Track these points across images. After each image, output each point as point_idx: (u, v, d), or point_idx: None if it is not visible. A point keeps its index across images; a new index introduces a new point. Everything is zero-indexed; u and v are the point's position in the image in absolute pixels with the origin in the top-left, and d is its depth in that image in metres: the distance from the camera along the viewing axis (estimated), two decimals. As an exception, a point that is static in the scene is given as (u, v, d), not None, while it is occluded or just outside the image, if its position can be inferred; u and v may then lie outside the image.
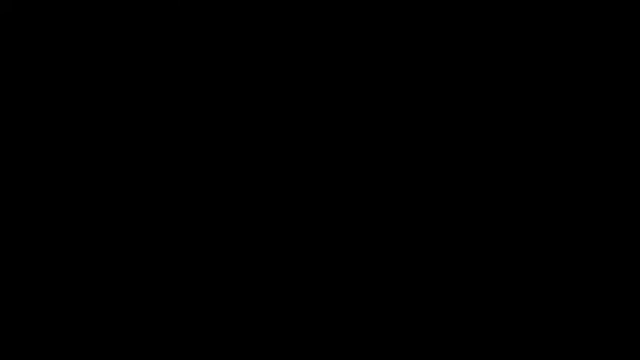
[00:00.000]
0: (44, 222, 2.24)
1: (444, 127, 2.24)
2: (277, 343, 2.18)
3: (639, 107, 2.21)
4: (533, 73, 2.24)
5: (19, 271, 2.22)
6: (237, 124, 2.27)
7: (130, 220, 2.24)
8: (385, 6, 2.28)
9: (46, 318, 2.20)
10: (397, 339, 2.17)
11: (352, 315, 2.19)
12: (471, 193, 2.21)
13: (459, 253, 2.19)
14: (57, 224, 2.24)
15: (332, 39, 2.28)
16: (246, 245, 2.23)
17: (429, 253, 2.20)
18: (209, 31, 2.29)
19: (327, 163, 2.25)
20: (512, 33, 2.25)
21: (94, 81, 2.29)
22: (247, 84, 2.28)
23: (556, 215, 2.19)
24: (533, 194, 2.20)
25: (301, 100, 2.27)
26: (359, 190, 2.23)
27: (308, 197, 2.24)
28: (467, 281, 2.18)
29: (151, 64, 2.29)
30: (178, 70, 2.29)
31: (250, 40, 2.29)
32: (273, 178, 2.25)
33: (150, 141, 2.27)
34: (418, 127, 2.24)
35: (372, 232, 2.22)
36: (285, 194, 2.24)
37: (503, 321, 2.16)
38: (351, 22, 2.28)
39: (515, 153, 2.22)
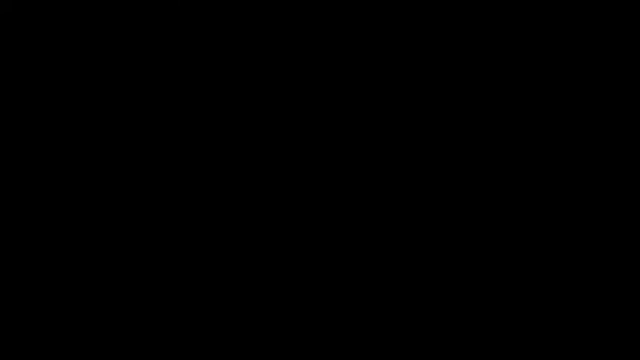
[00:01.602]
0: (44, 222, 2.24)
1: (444, 127, 2.24)
2: (277, 343, 2.19)
3: (639, 107, 2.21)
4: (533, 73, 2.24)
5: (19, 271, 2.22)
6: (237, 124, 2.27)
7: (130, 219, 2.24)
8: (385, 6, 2.28)
9: (46, 318, 2.20)
10: (397, 339, 2.17)
11: (352, 315, 2.19)
12: (471, 193, 2.21)
13: (459, 253, 2.19)
14: (57, 224, 2.24)
15: (332, 39, 2.28)
16: (246, 245, 2.23)
17: (429, 253, 2.20)
18: (209, 31, 2.29)
19: (327, 163, 2.25)
20: (513, 33, 2.25)
21: (94, 81, 2.29)
22: (247, 84, 2.28)
23: (556, 215, 2.19)
24: (533, 194, 2.20)
25: (301, 100, 2.27)
26: (359, 190, 2.23)
27: (308, 197, 2.24)
28: (467, 281, 2.18)
29: (151, 64, 2.29)
30: (178, 70, 2.29)
31: (250, 40, 2.29)
32: (273, 178, 2.25)
33: (150, 141, 2.27)
34: (418, 127, 2.25)
35: (372, 232, 2.22)
36: (285, 194, 2.24)
37: (503, 321, 2.16)
38: (351, 22, 2.28)
39: (516, 153, 2.22)
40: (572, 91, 2.23)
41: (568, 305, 2.15)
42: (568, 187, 2.20)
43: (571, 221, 2.18)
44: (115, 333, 2.19)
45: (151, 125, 2.28)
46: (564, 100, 2.23)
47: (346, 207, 2.23)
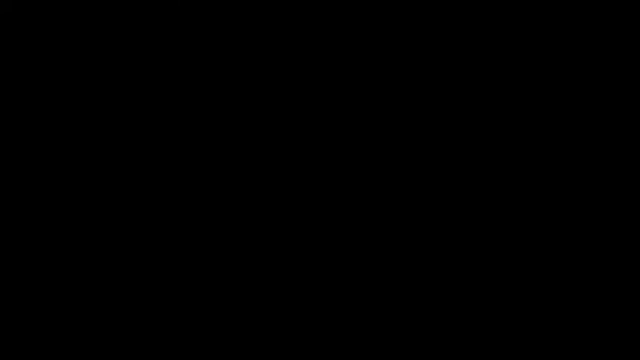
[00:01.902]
0: (44, 222, 2.24)
1: (444, 127, 2.24)
2: (277, 343, 2.19)
3: (639, 107, 2.21)
4: (533, 73, 2.24)
5: (19, 271, 2.22)
6: (237, 124, 2.28)
7: (130, 219, 2.25)
8: (385, 6, 2.28)
9: (46, 318, 2.21)
10: (397, 339, 2.17)
11: (352, 315, 2.19)
12: (471, 194, 2.21)
13: (459, 253, 2.20)
14: (57, 224, 2.24)
15: (332, 39, 2.28)
16: (246, 245, 2.23)
17: (429, 253, 2.20)
18: (209, 31, 2.29)
19: (327, 163, 2.25)
20: (513, 33, 2.25)
21: (94, 81, 2.29)
22: (247, 84, 2.28)
23: (556, 215, 2.19)
24: (533, 194, 2.20)
25: (301, 101, 2.27)
26: (359, 190, 2.24)
27: (308, 197, 2.24)
28: (467, 281, 2.18)
29: (151, 64, 2.29)
30: (178, 70, 2.29)
31: (250, 40, 2.29)
32: (272, 179, 2.25)
33: (150, 141, 2.27)
34: (418, 127, 2.25)
35: (372, 232, 2.22)
36: (285, 194, 2.24)
37: (503, 321, 2.16)
38: (351, 22, 2.28)
39: (516, 153, 2.22)
40: (572, 91, 2.23)
41: (568, 305, 2.16)
42: (568, 187, 2.20)
43: (571, 221, 2.18)
44: (115, 333, 2.20)
45: (151, 125, 2.28)
46: (564, 100, 2.23)
47: (346, 207, 2.23)
